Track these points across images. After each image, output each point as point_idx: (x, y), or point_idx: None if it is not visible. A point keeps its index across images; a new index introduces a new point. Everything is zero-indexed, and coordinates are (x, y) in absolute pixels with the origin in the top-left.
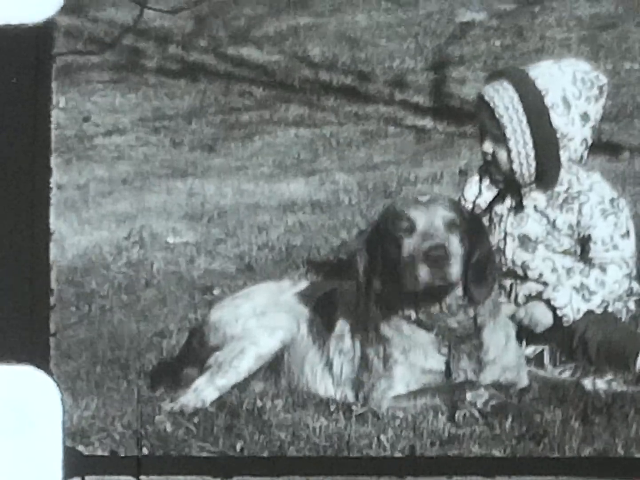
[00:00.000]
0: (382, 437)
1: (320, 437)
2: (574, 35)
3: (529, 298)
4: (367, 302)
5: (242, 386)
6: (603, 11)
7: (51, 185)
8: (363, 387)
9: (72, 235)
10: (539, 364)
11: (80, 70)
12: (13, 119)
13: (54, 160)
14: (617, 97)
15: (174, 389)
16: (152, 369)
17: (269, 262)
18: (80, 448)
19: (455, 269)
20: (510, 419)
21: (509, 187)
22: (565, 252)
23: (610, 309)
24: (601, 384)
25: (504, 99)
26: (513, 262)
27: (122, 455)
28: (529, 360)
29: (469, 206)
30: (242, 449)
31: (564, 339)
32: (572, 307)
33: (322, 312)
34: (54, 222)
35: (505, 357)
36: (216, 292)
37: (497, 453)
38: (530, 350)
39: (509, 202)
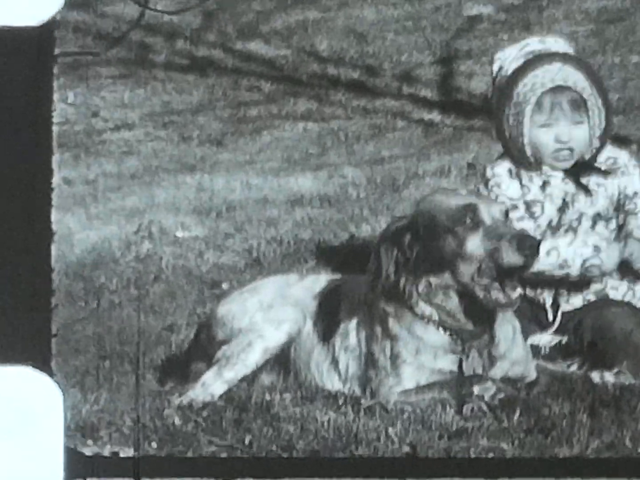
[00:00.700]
0: (391, 430)
1: (328, 431)
2: (581, 29)
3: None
4: (378, 297)
5: (250, 380)
6: (610, 4)
7: (53, 185)
8: (370, 382)
9: (81, 230)
10: (550, 356)
11: (89, 66)
12: (14, 117)
13: (60, 157)
14: (624, 91)
15: (182, 383)
16: (161, 364)
17: (277, 256)
18: (89, 443)
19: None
20: (518, 413)
21: (571, 170)
22: (609, 221)
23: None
24: (609, 377)
25: (580, 81)
26: (585, 242)
27: (124, 456)
28: (538, 352)
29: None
30: (250, 443)
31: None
32: None
33: (327, 308)
34: (56, 222)
35: (514, 351)
36: (225, 286)
37: (505, 446)
38: (546, 340)
39: (567, 182)
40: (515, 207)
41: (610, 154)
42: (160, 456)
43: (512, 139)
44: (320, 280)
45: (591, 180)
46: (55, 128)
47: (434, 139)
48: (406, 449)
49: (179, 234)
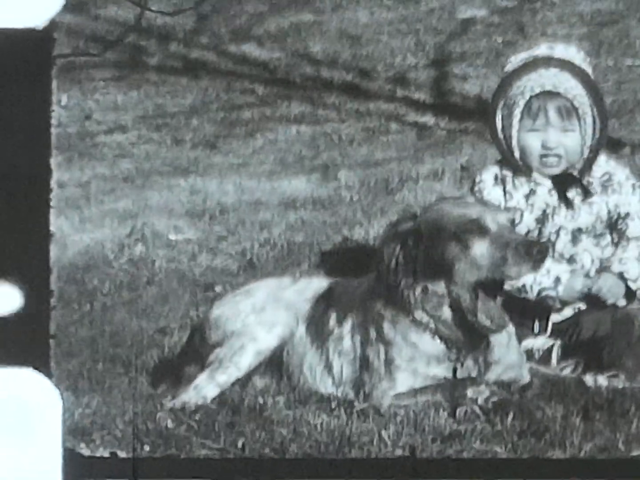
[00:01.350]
0: (384, 433)
1: (321, 434)
2: (575, 32)
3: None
4: (376, 299)
5: (243, 383)
6: (604, 7)
7: (51, 187)
8: (364, 386)
9: (74, 233)
10: (544, 360)
11: (82, 68)
12: (13, 120)
13: (54, 159)
14: (618, 94)
15: (175, 386)
16: (154, 366)
17: (270, 259)
18: (82, 446)
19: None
20: (511, 416)
21: (558, 179)
22: (599, 238)
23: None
24: (602, 380)
25: (574, 88)
26: (562, 255)
27: (122, 456)
28: (532, 355)
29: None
30: (243, 446)
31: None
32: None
33: (320, 312)
34: (54, 222)
35: (508, 356)
36: (218, 289)
37: (498, 449)
38: (539, 343)
39: (553, 194)
40: None
41: (607, 168)
42: (158, 457)
43: (503, 141)
44: (313, 283)
45: (577, 195)
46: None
47: (428, 142)
48: (399, 452)
49: (172, 236)
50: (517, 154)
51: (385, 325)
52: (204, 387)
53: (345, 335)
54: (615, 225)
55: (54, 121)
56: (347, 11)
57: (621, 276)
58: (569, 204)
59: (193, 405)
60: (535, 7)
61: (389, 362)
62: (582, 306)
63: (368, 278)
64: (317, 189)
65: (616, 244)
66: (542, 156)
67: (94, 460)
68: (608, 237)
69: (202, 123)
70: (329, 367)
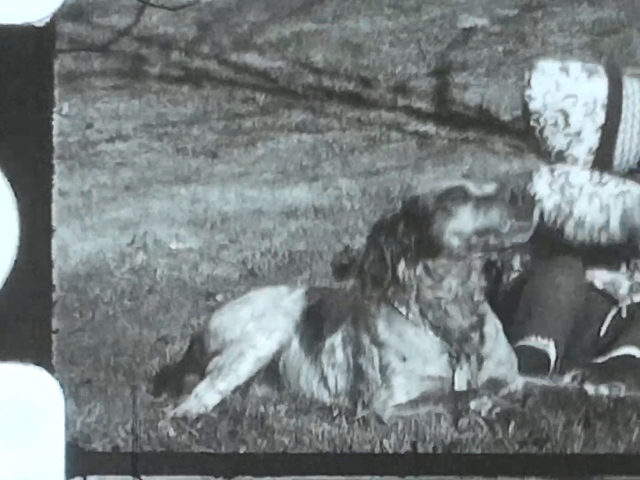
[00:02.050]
0: (385, 442)
1: (322, 443)
2: (576, 41)
3: None
4: (368, 300)
5: (244, 392)
6: (605, 16)
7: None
8: (362, 396)
9: (76, 242)
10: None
11: (83, 77)
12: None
13: (56, 167)
14: None
15: (176, 394)
16: (155, 375)
17: (272, 268)
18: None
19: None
20: (513, 425)
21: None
22: None
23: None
24: (604, 389)
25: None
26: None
27: (124, 452)
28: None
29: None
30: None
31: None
32: None
33: (312, 323)
34: (56, 231)
35: (498, 350)
36: (219, 298)
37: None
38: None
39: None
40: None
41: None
42: (159, 453)
43: None
44: (308, 293)
45: None
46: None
47: (429, 151)
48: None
49: (174, 245)
50: None
51: (380, 325)
52: (205, 395)
53: (337, 347)
54: None
55: (55, 130)
56: (349, 20)
57: None
58: None
59: (194, 413)
60: (536, 17)
61: (384, 368)
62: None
63: (359, 284)
64: (318, 197)
65: None
66: None
67: (96, 457)
68: None
69: (204, 132)
70: (324, 380)
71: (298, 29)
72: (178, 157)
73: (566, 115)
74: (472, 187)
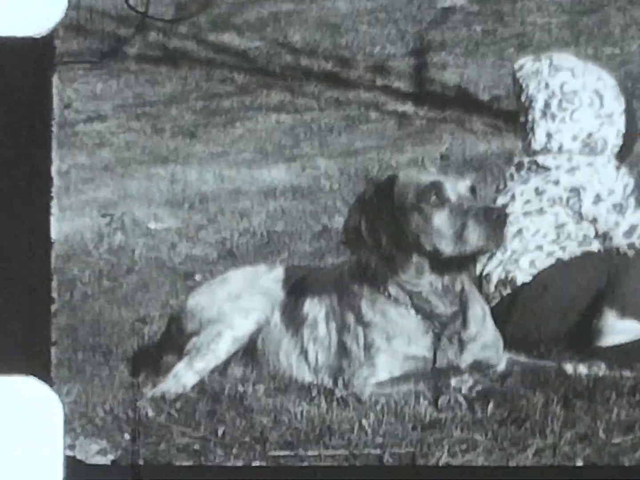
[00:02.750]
0: (364, 421)
1: (301, 422)
2: (555, 20)
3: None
4: (351, 281)
5: (222, 371)
6: None
7: (52, 194)
8: (343, 373)
9: (53, 222)
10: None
11: (61, 57)
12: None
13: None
14: None
15: (155, 375)
16: (134, 355)
17: (250, 248)
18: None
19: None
20: (492, 404)
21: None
22: None
23: None
24: (582, 368)
25: None
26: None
27: (123, 464)
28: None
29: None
30: (223, 434)
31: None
32: None
33: (294, 298)
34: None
35: (484, 334)
36: (197, 278)
37: (478, 437)
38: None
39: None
40: None
41: None
42: (161, 463)
43: None
44: (288, 270)
45: None
46: None
47: (408, 131)
48: (379, 440)
49: (152, 225)
50: None
51: (363, 305)
52: (183, 375)
53: (320, 322)
54: None
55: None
56: (327, 0)
57: None
58: None
59: (173, 393)
60: None
61: (368, 346)
62: None
63: (342, 262)
64: (296, 177)
65: None
66: None
67: (94, 467)
68: None
69: (182, 112)
70: (304, 353)
71: (276, 9)
72: (156, 137)
73: (601, 97)
74: (448, 188)
